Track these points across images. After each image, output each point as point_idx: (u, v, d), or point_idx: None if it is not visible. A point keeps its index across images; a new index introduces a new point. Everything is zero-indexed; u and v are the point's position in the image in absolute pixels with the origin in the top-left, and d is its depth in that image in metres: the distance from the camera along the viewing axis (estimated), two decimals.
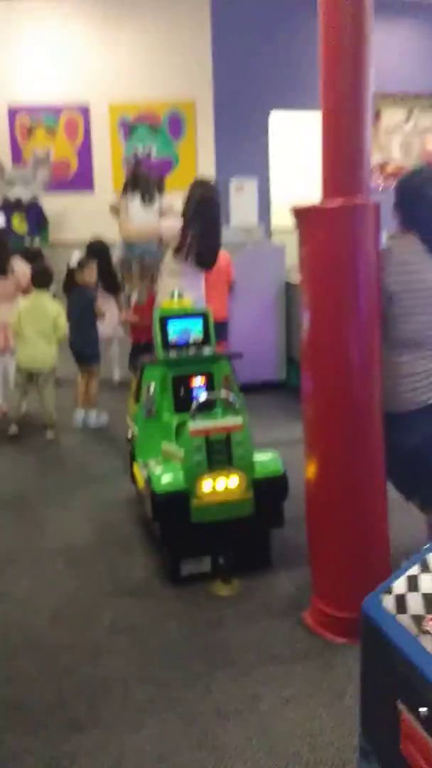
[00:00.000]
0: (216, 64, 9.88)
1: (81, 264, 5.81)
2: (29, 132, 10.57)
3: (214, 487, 3.26)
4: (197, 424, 3.29)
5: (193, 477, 3.25)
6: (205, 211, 4.59)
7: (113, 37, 10.11)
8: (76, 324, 5.69)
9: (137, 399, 3.88)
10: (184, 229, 4.50)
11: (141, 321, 5.78)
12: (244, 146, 9.92)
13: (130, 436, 4.01)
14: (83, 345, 5.77)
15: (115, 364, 6.92)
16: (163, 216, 4.85)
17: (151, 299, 5.60)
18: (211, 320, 3.86)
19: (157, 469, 3.38)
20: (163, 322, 3.79)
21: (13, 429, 5.53)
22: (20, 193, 9.54)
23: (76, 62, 10.24)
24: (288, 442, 5.23)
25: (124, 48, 10.09)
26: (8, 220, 9.56)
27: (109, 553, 3.74)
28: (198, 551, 3.39)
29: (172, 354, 3.73)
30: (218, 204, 4.67)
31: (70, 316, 5.67)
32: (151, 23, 10.02)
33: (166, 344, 3.78)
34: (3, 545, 3.88)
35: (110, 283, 6.63)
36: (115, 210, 5.55)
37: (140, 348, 5.73)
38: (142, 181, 4.69)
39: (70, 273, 5.88)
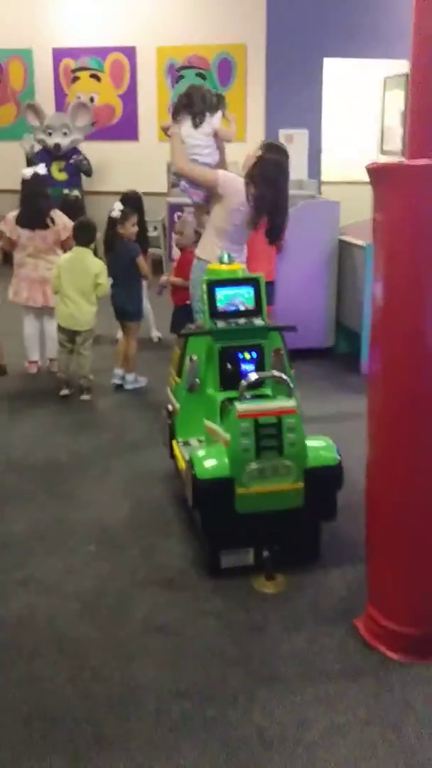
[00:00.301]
0: (270, 7, 9.29)
1: (123, 215, 5.47)
2: (73, 75, 10.15)
3: (261, 475, 2.96)
4: (245, 406, 2.97)
5: (239, 463, 2.95)
6: (276, 180, 4.20)
7: None
8: (118, 279, 5.38)
9: (179, 372, 3.57)
10: (255, 200, 4.10)
11: (185, 281, 5.42)
12: (295, 95, 9.36)
13: (170, 409, 3.71)
14: (125, 301, 5.46)
15: (151, 321, 6.61)
16: (218, 142, 4.38)
17: (188, 258, 5.26)
18: (263, 288, 3.51)
19: (200, 452, 3.08)
20: (211, 288, 3.45)
21: (64, 390, 5.25)
22: (59, 139, 9.17)
23: (124, 3, 9.74)
24: (337, 416, 4.94)
25: None
26: (48, 169, 9.21)
27: (143, 536, 3.47)
28: (241, 543, 3.11)
29: (220, 324, 3.39)
30: (288, 172, 4.27)
31: (112, 270, 5.37)
32: None
33: (214, 313, 3.44)
34: (32, 520, 3.64)
35: (141, 238, 6.28)
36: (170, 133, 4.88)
37: (183, 311, 5.39)
38: (197, 100, 4.24)
39: (112, 224, 5.53)
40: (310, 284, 6.06)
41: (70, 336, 5.23)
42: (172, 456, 3.66)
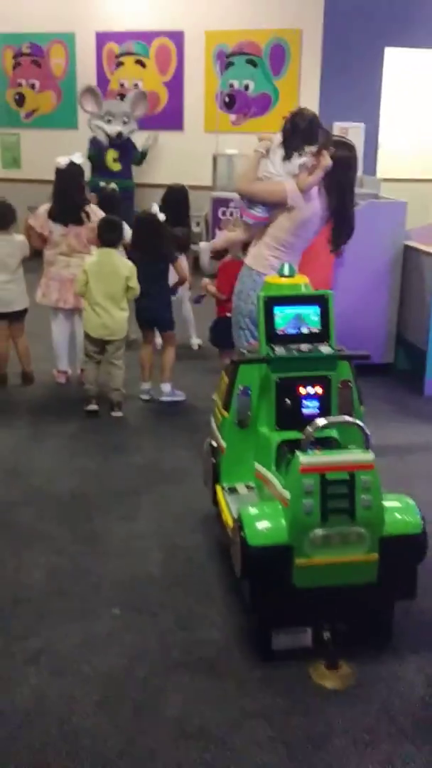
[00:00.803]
0: None
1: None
2: (117, 61, 9.62)
3: (327, 544, 2.40)
4: (310, 458, 2.40)
5: (300, 528, 2.39)
6: (343, 180, 3.64)
7: None
8: (147, 284, 4.81)
9: (226, 404, 3.00)
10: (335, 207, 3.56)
11: (220, 294, 4.91)
12: (352, 86, 8.72)
13: (215, 445, 3.16)
14: (158, 308, 4.93)
15: (191, 327, 6.07)
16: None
17: (232, 270, 4.73)
18: (332, 308, 2.93)
19: (252, 510, 2.53)
20: (269, 306, 2.88)
21: (92, 405, 4.75)
22: (120, 127, 8.65)
23: None
24: (400, 448, 4.35)
25: None
26: (101, 157, 8.70)
27: (179, 598, 2.93)
28: (297, 620, 2.55)
29: (278, 350, 2.82)
30: (356, 170, 3.73)
31: (141, 274, 4.78)
32: None
33: (271, 336, 2.88)
34: (51, 568, 3.12)
35: (182, 237, 5.75)
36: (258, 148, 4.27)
37: (226, 323, 4.85)
38: (298, 132, 3.66)
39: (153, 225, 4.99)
40: (369, 293, 5.46)
41: (99, 346, 4.72)
42: (215, 502, 3.11)
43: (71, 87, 9.74)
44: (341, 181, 3.75)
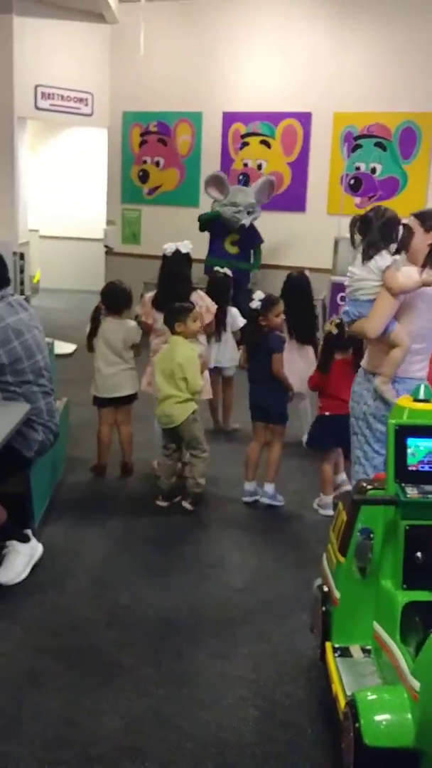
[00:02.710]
0: None
1: (265, 305, 4.60)
2: (242, 141, 9.56)
3: None
4: None
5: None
6: None
7: (344, 37, 8.85)
8: (258, 376, 4.58)
9: (343, 546, 2.55)
10: None
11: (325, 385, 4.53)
12: None
13: (325, 590, 2.69)
14: (266, 398, 4.57)
15: (306, 423, 5.65)
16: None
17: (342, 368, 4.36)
18: None
19: (370, 695, 2.05)
20: (401, 437, 2.44)
21: (161, 502, 4.50)
22: (245, 220, 8.49)
23: (301, 66, 9.10)
24: None
25: (357, 50, 8.80)
26: (220, 240, 8.55)
27: None
28: None
29: (410, 491, 2.36)
30: None
31: (252, 365, 4.64)
32: (391, 22, 8.64)
33: (402, 473, 2.42)
34: (130, 716, 2.71)
35: (306, 328, 5.40)
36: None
37: (326, 422, 4.44)
38: (375, 230, 3.32)
39: (254, 317, 4.67)
40: None
41: (172, 438, 4.49)
42: (323, 659, 2.63)
43: (195, 165, 9.75)
44: None
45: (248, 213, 8.47)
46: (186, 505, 4.45)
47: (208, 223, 8.54)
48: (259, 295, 4.60)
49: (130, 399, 4.96)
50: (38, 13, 9.48)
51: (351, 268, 3.47)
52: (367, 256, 3.37)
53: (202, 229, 8.53)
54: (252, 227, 8.63)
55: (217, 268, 6.02)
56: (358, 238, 3.44)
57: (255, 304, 4.55)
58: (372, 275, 3.36)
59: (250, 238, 8.68)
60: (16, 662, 3.01)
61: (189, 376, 4.34)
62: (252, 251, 8.80)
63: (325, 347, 4.57)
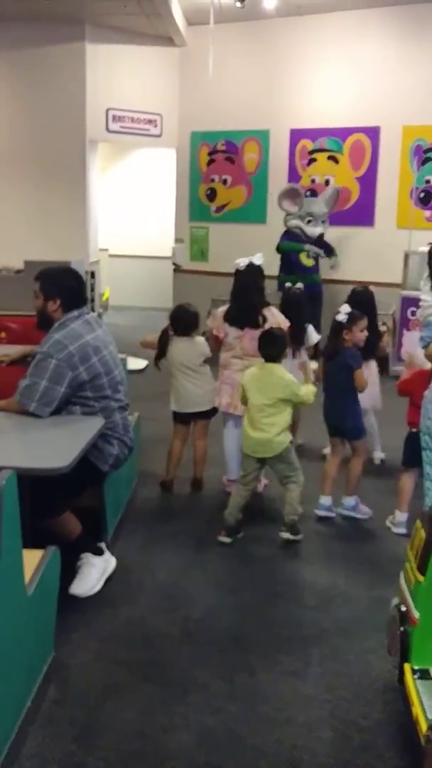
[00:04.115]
0: None
1: (351, 319, 4.56)
2: (310, 157, 9.57)
3: None
4: None
5: None
6: None
7: (413, 50, 8.79)
8: (333, 390, 4.55)
9: (422, 565, 2.50)
10: None
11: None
12: None
13: (403, 610, 2.64)
14: (341, 414, 4.54)
15: (376, 439, 5.59)
16: None
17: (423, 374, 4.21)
18: None
19: None
20: None
21: (224, 538, 4.23)
22: (320, 229, 8.55)
23: (368, 80, 9.08)
24: None
25: (425, 62, 8.72)
26: (296, 254, 8.57)
27: None
28: None
29: None
30: None
31: (328, 380, 4.61)
32: None
33: None
34: (203, 731, 2.69)
35: (369, 343, 5.33)
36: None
37: (417, 438, 4.33)
38: None
39: (338, 329, 4.64)
40: None
41: (255, 465, 4.32)
42: (401, 681, 2.58)
43: (263, 182, 9.80)
44: None
45: (322, 222, 8.52)
46: (285, 535, 4.21)
47: (287, 251, 8.57)
48: (345, 308, 4.58)
49: (208, 414, 4.98)
50: (109, 39, 9.72)
51: (423, 296, 3.44)
52: None
53: (280, 253, 8.58)
54: (322, 237, 8.65)
55: (288, 284, 6.00)
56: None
57: (341, 317, 4.53)
58: None
59: (325, 249, 8.69)
60: (91, 674, 3.03)
61: (300, 391, 4.24)
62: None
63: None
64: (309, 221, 8.50)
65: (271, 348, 4.30)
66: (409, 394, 4.35)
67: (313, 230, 8.50)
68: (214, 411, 4.96)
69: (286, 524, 4.26)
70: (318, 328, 5.42)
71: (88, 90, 9.70)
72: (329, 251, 8.74)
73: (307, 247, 8.48)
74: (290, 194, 8.59)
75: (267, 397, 4.21)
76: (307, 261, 8.54)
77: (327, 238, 8.78)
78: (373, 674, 3.03)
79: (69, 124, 9.72)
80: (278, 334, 4.39)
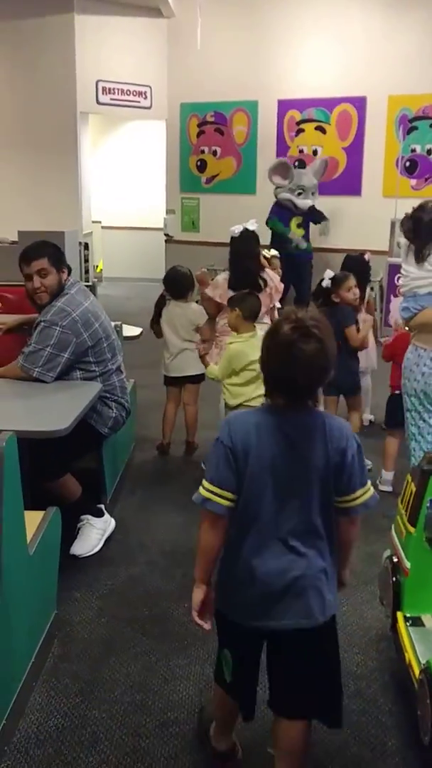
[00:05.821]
0: None
1: (335, 282, 4.66)
2: (298, 127, 9.58)
3: None
4: None
5: None
6: None
7: (397, 20, 8.79)
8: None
9: (413, 517, 2.60)
10: None
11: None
12: None
13: (395, 561, 2.75)
14: (342, 374, 4.61)
15: (367, 400, 5.66)
16: None
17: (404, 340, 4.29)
18: None
19: None
20: None
21: None
22: (310, 200, 8.62)
23: (354, 50, 9.07)
24: None
25: (410, 32, 8.73)
26: (286, 223, 8.64)
27: (348, 746, 2.51)
28: None
29: None
30: None
31: None
32: None
33: None
34: (203, 681, 2.81)
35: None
36: None
37: (399, 400, 4.43)
38: (425, 228, 3.31)
39: (325, 294, 4.73)
40: None
41: None
42: (394, 629, 2.69)
43: (252, 153, 9.82)
44: None
45: (312, 194, 8.60)
46: None
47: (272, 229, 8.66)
48: (329, 273, 4.66)
49: (197, 379, 5.06)
50: (98, 11, 9.65)
51: (405, 266, 3.46)
52: (421, 258, 3.37)
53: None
54: (313, 208, 8.73)
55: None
56: (405, 241, 3.44)
57: (326, 282, 4.61)
58: (430, 273, 3.36)
59: (314, 218, 8.77)
60: (94, 630, 3.13)
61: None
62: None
63: None
64: (299, 194, 8.56)
65: (252, 310, 4.19)
66: (392, 357, 4.46)
67: (304, 202, 8.57)
68: (203, 376, 5.02)
69: None
70: (308, 296, 5.49)
71: (78, 62, 9.65)
72: (320, 218, 8.82)
73: (291, 235, 8.56)
74: (280, 169, 8.64)
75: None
76: (296, 230, 8.61)
77: (318, 207, 8.83)
78: (366, 624, 3.14)
79: (59, 96, 9.69)
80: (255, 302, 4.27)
